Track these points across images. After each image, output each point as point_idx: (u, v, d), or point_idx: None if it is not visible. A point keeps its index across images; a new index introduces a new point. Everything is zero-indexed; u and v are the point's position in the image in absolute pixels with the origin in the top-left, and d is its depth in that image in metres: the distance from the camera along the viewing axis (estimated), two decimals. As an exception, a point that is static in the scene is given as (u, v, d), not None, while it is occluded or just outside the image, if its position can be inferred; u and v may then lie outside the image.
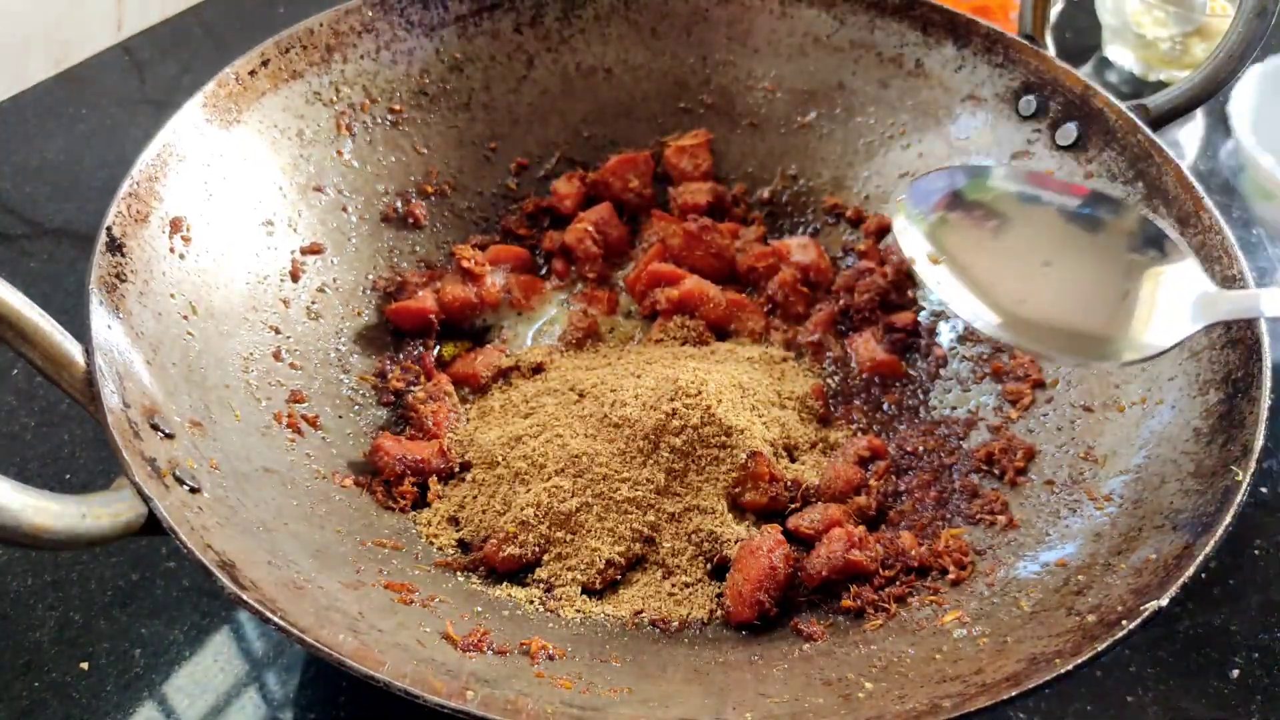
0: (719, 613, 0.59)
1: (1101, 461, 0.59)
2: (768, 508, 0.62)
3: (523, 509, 0.60)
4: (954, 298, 0.55)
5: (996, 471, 0.63)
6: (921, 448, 0.67)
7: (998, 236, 0.57)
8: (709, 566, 0.60)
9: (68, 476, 0.68)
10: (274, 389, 0.63)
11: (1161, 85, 1.01)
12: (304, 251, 0.69)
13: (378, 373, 0.70)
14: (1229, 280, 0.58)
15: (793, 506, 0.63)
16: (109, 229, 0.56)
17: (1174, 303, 0.53)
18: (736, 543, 0.60)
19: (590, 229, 0.78)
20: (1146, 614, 0.46)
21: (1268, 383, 0.55)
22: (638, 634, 0.57)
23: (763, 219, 0.81)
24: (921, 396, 0.70)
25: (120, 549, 0.64)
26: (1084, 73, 0.70)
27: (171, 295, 0.59)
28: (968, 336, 0.72)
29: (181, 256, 0.61)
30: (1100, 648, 0.46)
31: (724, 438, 0.61)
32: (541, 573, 0.59)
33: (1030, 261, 0.56)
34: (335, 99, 0.73)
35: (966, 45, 0.75)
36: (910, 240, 0.57)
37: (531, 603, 0.58)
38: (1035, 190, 0.58)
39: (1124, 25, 1.05)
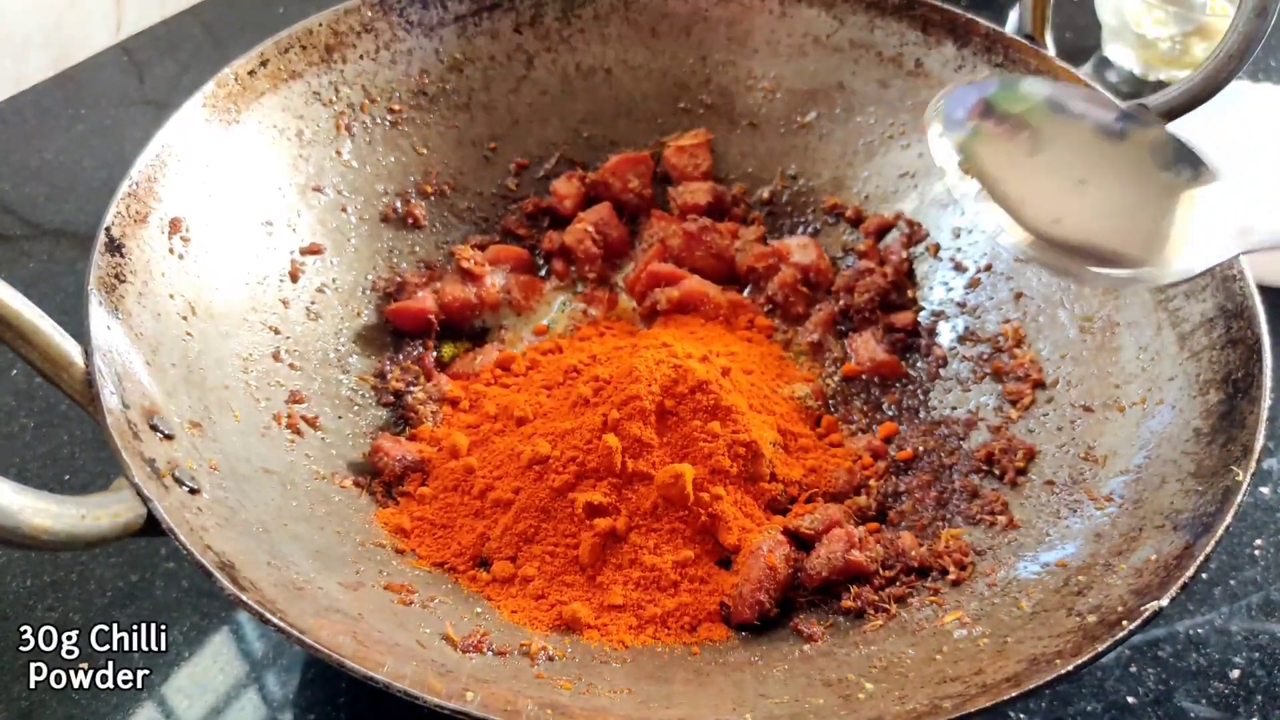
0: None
1: (1102, 462, 0.59)
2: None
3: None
4: (985, 213, 0.51)
5: (997, 472, 0.63)
6: (921, 448, 0.66)
7: (1031, 151, 0.53)
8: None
9: (67, 477, 0.68)
10: (273, 389, 0.63)
11: (1161, 85, 1.00)
12: (303, 252, 0.69)
13: (377, 373, 0.69)
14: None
15: (792, 507, 0.63)
16: (108, 229, 0.56)
17: (1209, 226, 0.50)
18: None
19: (590, 229, 0.78)
20: (1147, 614, 0.46)
21: (1268, 383, 0.55)
22: (638, 635, 0.57)
23: (762, 219, 0.81)
24: (921, 397, 0.70)
25: (119, 550, 0.64)
26: (1084, 72, 0.70)
27: (171, 296, 0.59)
28: (968, 337, 0.72)
29: (181, 257, 0.60)
30: (1101, 648, 0.46)
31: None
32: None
33: (1064, 179, 0.52)
34: (334, 99, 0.72)
35: (966, 45, 0.74)
36: (943, 150, 0.53)
37: (531, 604, 0.58)
38: (1068, 103, 0.56)
39: (1124, 25, 1.05)
